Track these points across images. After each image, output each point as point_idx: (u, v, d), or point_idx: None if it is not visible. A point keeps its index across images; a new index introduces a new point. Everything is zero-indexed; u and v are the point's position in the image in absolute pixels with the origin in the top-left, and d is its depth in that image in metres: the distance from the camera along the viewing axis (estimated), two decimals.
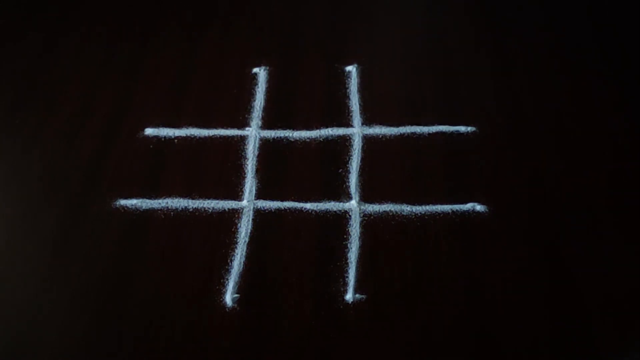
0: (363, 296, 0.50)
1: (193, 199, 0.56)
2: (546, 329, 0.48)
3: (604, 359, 0.47)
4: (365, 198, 0.56)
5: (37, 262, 0.53)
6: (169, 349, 0.47)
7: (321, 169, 0.59)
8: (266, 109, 0.63)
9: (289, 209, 0.56)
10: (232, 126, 0.62)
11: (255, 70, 0.67)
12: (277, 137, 0.61)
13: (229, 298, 0.50)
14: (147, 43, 0.71)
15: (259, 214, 0.56)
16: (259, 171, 0.59)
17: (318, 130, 0.62)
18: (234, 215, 0.55)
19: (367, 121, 0.62)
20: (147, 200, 0.56)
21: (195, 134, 0.61)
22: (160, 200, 0.56)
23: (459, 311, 0.49)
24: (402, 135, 0.61)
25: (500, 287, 0.50)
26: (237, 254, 0.53)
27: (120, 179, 0.58)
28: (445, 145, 0.60)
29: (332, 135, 0.61)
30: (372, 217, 0.55)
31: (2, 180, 0.59)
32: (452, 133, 0.61)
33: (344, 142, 0.61)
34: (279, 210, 0.56)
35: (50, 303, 0.50)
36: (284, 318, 0.49)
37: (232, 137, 0.61)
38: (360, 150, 0.60)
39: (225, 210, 0.56)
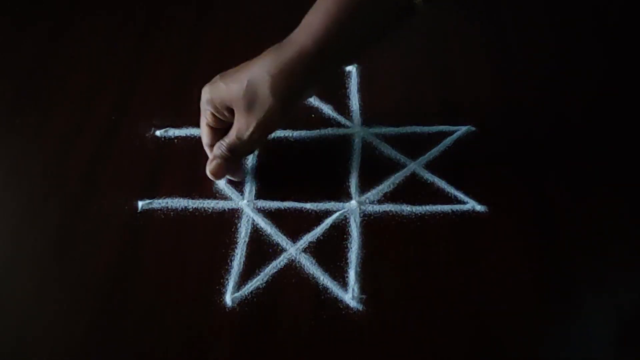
0: (363, 296, 0.50)
1: (193, 199, 0.56)
2: (547, 328, 0.48)
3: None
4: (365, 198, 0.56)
5: (36, 262, 0.53)
6: (168, 349, 0.47)
7: (321, 169, 0.59)
8: None
9: (289, 209, 0.56)
10: None
11: None
12: (277, 137, 0.61)
13: (229, 298, 0.50)
14: (146, 44, 0.71)
15: (259, 214, 0.55)
16: (259, 171, 0.59)
17: (318, 130, 0.62)
18: (234, 215, 0.55)
19: (367, 121, 0.62)
20: (147, 200, 0.56)
21: (195, 134, 0.61)
22: (160, 200, 0.56)
23: (459, 311, 0.49)
24: (402, 135, 0.61)
25: (500, 287, 0.50)
26: (237, 254, 0.53)
27: (120, 179, 0.58)
28: (445, 145, 0.60)
29: (332, 135, 0.61)
30: (372, 217, 0.55)
31: (2, 180, 0.59)
32: (452, 133, 0.61)
33: (344, 142, 0.61)
34: (279, 210, 0.56)
35: (50, 303, 0.50)
36: (284, 318, 0.49)
37: None
38: (360, 150, 0.60)
39: (225, 210, 0.56)
